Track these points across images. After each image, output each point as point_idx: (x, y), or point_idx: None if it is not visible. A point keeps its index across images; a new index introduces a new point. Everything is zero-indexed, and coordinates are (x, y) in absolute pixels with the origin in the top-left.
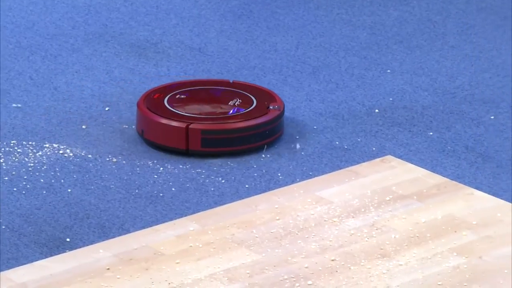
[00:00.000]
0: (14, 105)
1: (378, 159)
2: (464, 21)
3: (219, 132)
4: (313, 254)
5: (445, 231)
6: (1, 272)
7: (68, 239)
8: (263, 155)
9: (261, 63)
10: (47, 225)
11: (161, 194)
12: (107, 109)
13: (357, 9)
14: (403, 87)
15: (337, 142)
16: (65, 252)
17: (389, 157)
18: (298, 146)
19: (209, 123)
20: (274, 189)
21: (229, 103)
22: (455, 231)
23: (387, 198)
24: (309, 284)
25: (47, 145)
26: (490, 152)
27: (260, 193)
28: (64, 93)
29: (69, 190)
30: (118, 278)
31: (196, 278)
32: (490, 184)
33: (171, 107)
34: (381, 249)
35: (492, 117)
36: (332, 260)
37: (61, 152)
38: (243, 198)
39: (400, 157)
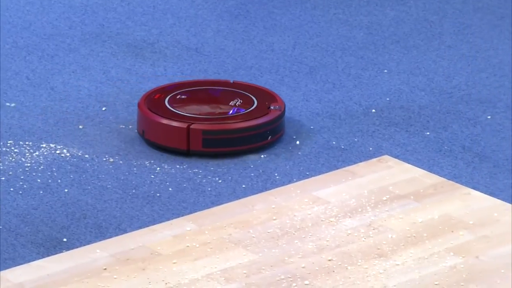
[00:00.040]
0: (7, 104)
1: (375, 159)
2: (460, 21)
3: (220, 133)
4: (310, 254)
5: (442, 231)
6: None
7: (65, 239)
8: (261, 155)
9: (258, 63)
10: (44, 225)
11: (158, 194)
12: (104, 109)
13: (353, 9)
14: (400, 87)
15: (334, 142)
16: (62, 252)
17: (386, 157)
18: (297, 142)
19: (210, 123)
20: (271, 189)
21: (230, 103)
22: (452, 231)
23: (384, 198)
24: (306, 284)
25: (44, 145)
26: (487, 152)
27: (257, 193)
28: (61, 93)
29: (66, 190)
30: (115, 278)
31: (193, 278)
32: (487, 184)
33: (172, 107)
34: (378, 249)
35: (489, 117)
36: (329, 260)
37: (58, 152)
38: (240, 198)
39: (397, 157)
